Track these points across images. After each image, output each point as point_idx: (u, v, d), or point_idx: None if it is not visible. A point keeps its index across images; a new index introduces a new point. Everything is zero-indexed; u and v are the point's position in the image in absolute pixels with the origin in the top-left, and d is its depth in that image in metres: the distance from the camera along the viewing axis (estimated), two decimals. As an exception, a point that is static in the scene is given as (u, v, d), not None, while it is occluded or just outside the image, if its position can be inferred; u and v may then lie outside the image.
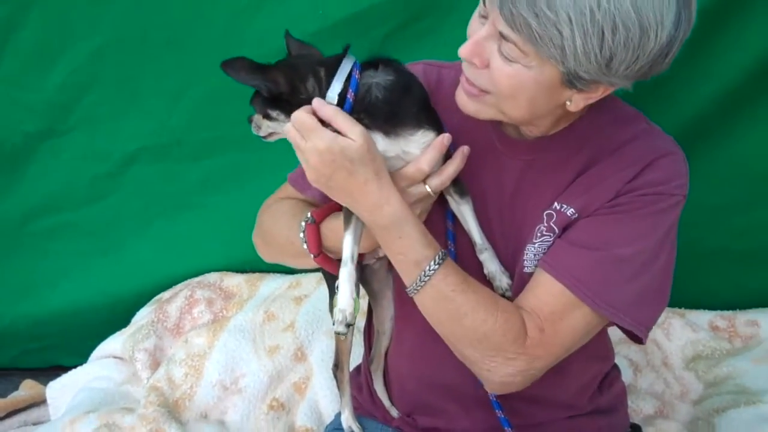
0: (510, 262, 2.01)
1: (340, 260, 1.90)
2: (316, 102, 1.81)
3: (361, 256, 1.95)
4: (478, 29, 1.77)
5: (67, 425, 2.63)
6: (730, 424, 2.55)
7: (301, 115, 1.80)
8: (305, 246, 1.97)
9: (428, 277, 1.87)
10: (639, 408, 2.71)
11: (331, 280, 2.03)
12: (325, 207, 2.00)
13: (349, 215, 1.89)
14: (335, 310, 1.86)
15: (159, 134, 3.15)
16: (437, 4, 2.86)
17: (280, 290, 3.13)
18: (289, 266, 2.40)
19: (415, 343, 2.14)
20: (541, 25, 1.63)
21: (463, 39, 1.87)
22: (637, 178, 1.91)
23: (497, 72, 1.76)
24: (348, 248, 1.88)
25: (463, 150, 1.88)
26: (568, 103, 1.82)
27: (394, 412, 2.25)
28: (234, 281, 3.21)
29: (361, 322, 2.33)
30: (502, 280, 1.98)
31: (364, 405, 2.32)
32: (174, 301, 3.11)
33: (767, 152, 2.89)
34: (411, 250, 1.87)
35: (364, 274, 2.11)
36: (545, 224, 1.97)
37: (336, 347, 2.19)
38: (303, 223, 1.98)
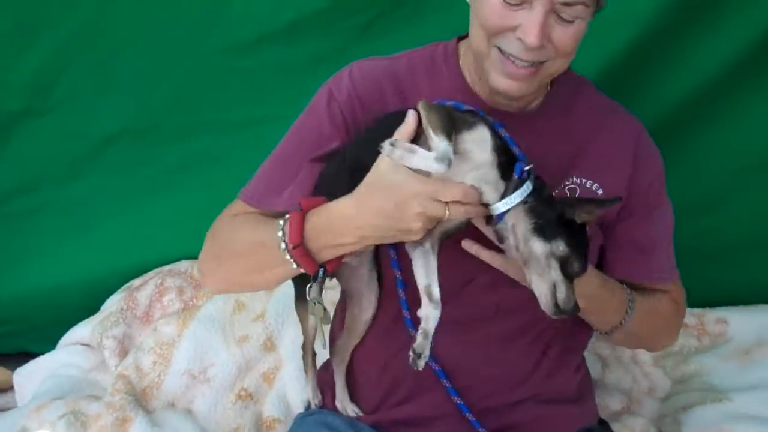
0: None
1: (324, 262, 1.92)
2: None
3: (344, 256, 1.96)
4: (520, 17, 1.87)
5: (33, 412, 2.61)
6: (696, 421, 2.56)
7: None
8: (283, 245, 1.92)
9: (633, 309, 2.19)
10: (606, 404, 2.72)
11: (301, 283, 2.03)
12: (311, 199, 1.96)
13: None
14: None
15: (138, 116, 3.12)
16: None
17: (251, 280, 3.11)
18: (243, 290, 2.50)
19: (378, 331, 2.17)
20: None
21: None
22: (642, 164, 2.19)
23: (562, 38, 1.90)
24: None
25: None
26: None
27: (350, 411, 2.25)
28: (205, 270, 3.17)
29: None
30: None
31: (330, 403, 2.31)
32: (144, 288, 3.09)
33: (737, 150, 2.91)
34: (618, 299, 2.17)
35: (343, 273, 2.10)
36: None
37: (303, 331, 2.21)
38: (282, 222, 1.93)
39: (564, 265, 1.83)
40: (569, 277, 1.84)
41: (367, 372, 2.24)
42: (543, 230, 1.83)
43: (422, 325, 1.90)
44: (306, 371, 2.30)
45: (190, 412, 2.73)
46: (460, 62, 2.13)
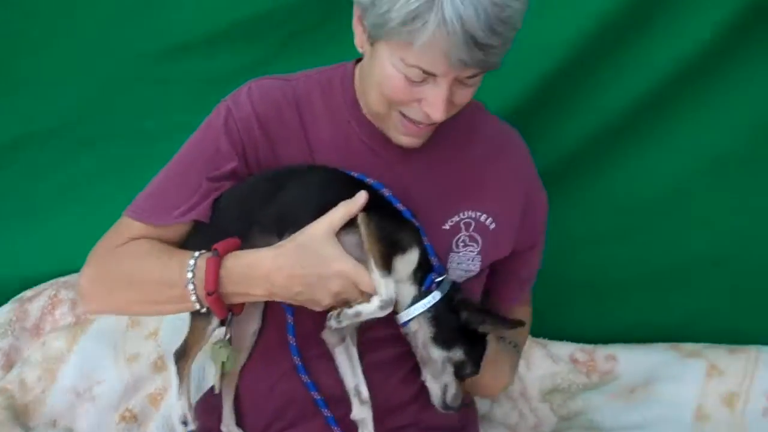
0: None
1: (230, 305, 1.95)
2: None
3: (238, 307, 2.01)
4: (424, 91, 1.88)
5: None
6: (575, 460, 2.60)
7: None
8: (192, 286, 1.92)
9: None
10: (490, 437, 2.74)
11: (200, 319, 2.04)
12: (226, 242, 1.95)
13: None
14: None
15: (44, 122, 3.07)
16: (344, 9, 2.84)
17: (146, 296, 3.07)
18: (128, 315, 2.50)
19: (264, 352, 2.17)
20: (507, 45, 1.84)
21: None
22: (534, 202, 2.28)
23: (464, 98, 1.94)
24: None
25: None
26: None
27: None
28: (100, 284, 3.12)
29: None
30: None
31: (216, 426, 2.28)
32: (36, 300, 3.03)
33: (633, 188, 2.94)
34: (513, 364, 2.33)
35: None
36: (466, 233, 2.14)
37: (187, 336, 2.15)
38: (192, 261, 1.93)
39: (458, 369, 1.97)
40: (461, 377, 1.99)
41: (253, 397, 2.22)
42: (442, 339, 1.96)
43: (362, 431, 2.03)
44: (179, 379, 2.20)
45: (71, 431, 2.69)
46: (356, 86, 2.13)
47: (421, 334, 1.98)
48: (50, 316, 2.99)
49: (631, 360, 2.97)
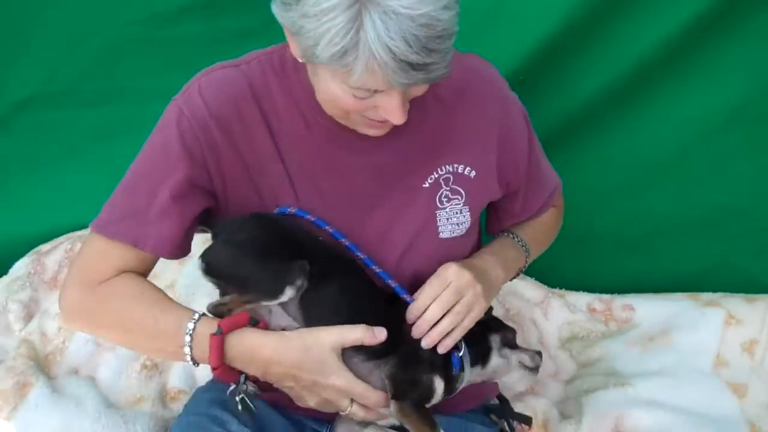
0: (403, 242, 2.07)
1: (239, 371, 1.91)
2: None
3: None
4: (378, 100, 1.80)
5: (-71, 374, 2.56)
6: (596, 405, 2.60)
7: None
8: (188, 348, 1.89)
9: None
10: (509, 385, 2.73)
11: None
12: (230, 319, 1.91)
13: None
14: None
15: (50, 82, 3.06)
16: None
17: (163, 249, 3.08)
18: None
19: None
20: (449, 53, 1.73)
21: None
22: (509, 141, 2.14)
23: (421, 91, 1.85)
24: None
25: None
26: None
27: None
28: (117, 237, 3.12)
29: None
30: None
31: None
32: (53, 253, 3.02)
33: (654, 141, 2.94)
34: (516, 261, 2.28)
35: None
36: (446, 188, 2.08)
37: None
38: (192, 325, 1.90)
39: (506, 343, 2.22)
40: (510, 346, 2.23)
41: None
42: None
43: None
44: None
45: (94, 379, 2.69)
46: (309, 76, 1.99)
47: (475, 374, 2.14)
48: (67, 269, 2.98)
49: (648, 309, 2.98)
